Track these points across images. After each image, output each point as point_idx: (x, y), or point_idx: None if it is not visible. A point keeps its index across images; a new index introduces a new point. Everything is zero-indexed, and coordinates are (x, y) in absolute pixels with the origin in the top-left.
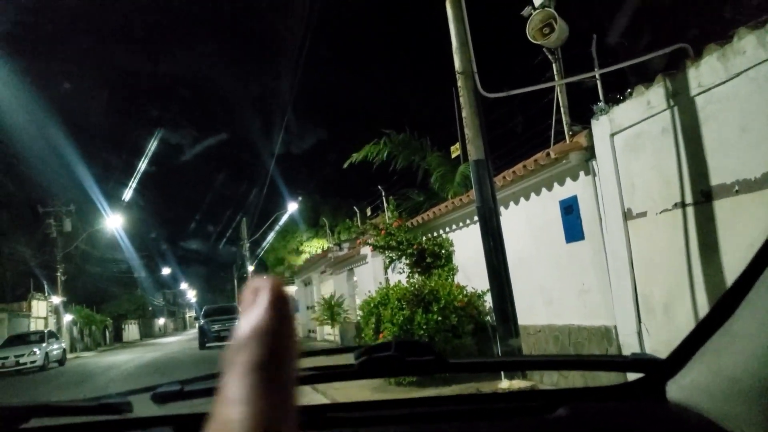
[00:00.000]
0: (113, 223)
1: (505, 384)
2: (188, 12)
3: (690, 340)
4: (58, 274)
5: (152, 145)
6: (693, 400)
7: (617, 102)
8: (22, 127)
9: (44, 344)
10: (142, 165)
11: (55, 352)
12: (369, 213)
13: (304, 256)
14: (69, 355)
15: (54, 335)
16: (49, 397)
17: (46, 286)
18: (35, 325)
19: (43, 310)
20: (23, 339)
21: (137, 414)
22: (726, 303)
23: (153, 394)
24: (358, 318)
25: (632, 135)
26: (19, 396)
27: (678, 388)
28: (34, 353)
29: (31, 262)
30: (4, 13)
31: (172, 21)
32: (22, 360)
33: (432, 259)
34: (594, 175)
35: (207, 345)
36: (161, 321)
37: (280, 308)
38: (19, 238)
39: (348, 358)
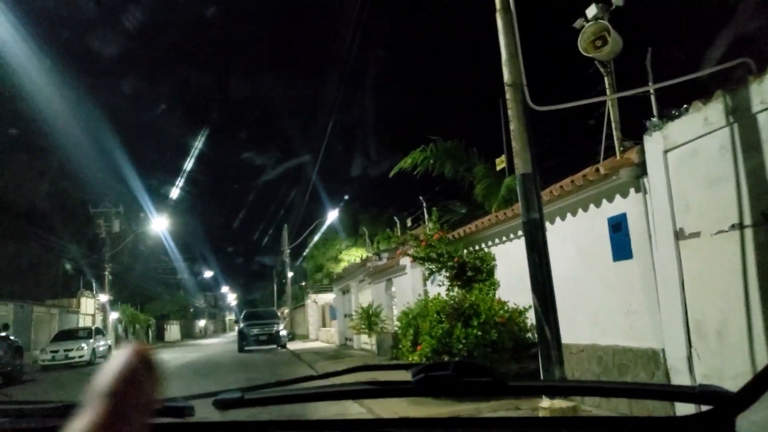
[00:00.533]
0: (159, 225)
1: (546, 403)
2: (236, 20)
3: (764, 374)
4: (106, 273)
5: (198, 150)
6: None
7: (672, 118)
8: (77, 130)
9: (91, 340)
10: (188, 168)
11: (101, 348)
12: (409, 223)
13: (343, 264)
14: (114, 352)
15: (101, 332)
16: None
17: (94, 285)
18: (83, 321)
19: (91, 307)
20: (72, 334)
21: (198, 418)
22: None
23: (215, 400)
24: (396, 329)
25: (687, 152)
26: (68, 388)
27: (748, 424)
28: (82, 348)
29: (81, 261)
30: (61, 22)
31: (219, 29)
32: (71, 354)
33: (473, 273)
34: (645, 192)
35: (246, 348)
36: (202, 323)
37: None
38: (71, 237)
39: (404, 375)
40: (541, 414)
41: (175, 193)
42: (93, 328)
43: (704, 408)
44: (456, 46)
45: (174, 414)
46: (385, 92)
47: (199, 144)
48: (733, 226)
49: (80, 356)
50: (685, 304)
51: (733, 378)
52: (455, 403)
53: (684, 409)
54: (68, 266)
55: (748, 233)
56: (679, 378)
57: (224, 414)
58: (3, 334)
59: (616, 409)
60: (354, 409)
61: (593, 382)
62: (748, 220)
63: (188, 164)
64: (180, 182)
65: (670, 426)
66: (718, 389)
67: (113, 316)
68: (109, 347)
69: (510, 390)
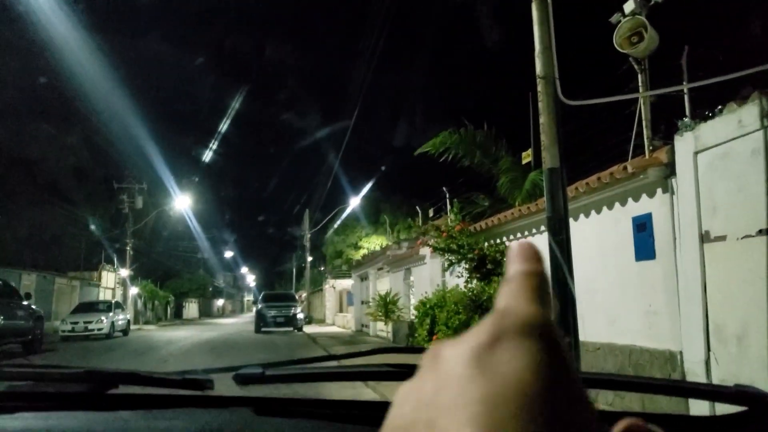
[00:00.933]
0: (182, 203)
1: None
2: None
3: None
4: (128, 248)
5: (223, 128)
6: None
7: (705, 119)
8: (103, 106)
9: (111, 314)
10: (213, 147)
11: (120, 322)
12: (431, 214)
13: (362, 252)
14: (132, 327)
15: (120, 306)
16: (114, 363)
17: (115, 259)
18: (104, 294)
19: (111, 281)
20: (92, 307)
21: (218, 392)
22: None
23: (236, 374)
24: (413, 317)
25: (718, 154)
26: (87, 358)
27: None
28: (102, 321)
29: (103, 235)
30: None
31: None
32: (90, 326)
33: (493, 266)
34: (672, 193)
35: (263, 329)
36: (220, 302)
37: None
38: (94, 211)
39: (417, 358)
40: None
41: (198, 171)
42: (113, 301)
43: (739, 409)
44: (491, 36)
45: (193, 386)
46: (416, 75)
47: (225, 123)
48: (760, 232)
49: (99, 329)
50: (706, 308)
51: (750, 383)
52: None
53: (700, 408)
54: (91, 240)
55: None
56: (696, 381)
57: (244, 389)
58: (26, 302)
59: (629, 407)
60: (367, 395)
61: (625, 376)
62: None
63: (213, 142)
64: (206, 158)
65: (704, 426)
66: (755, 390)
67: (133, 291)
68: (128, 322)
69: None
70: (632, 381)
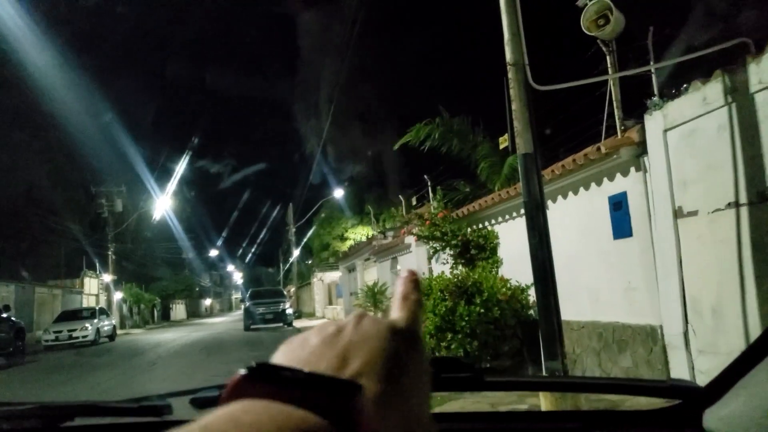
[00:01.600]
0: (163, 204)
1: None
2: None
3: (730, 370)
4: (109, 252)
5: (201, 129)
6: (729, 431)
7: (672, 97)
8: (77, 110)
9: (95, 320)
10: (192, 147)
11: (105, 328)
12: (414, 202)
13: (349, 243)
14: (119, 332)
15: (105, 312)
16: (102, 369)
17: (97, 265)
18: (87, 301)
19: (94, 287)
20: (76, 314)
21: (177, 417)
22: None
23: (192, 398)
24: None
25: (686, 131)
26: (70, 369)
27: (715, 419)
28: (86, 328)
29: (83, 240)
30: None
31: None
32: (74, 334)
33: (476, 251)
34: (645, 171)
35: (252, 327)
36: (208, 301)
37: None
38: (73, 217)
39: None
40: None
41: (178, 172)
42: (97, 308)
43: (674, 402)
44: (466, 22)
45: (151, 413)
46: (392, 65)
47: (202, 122)
48: (729, 205)
49: (84, 336)
50: (683, 281)
51: (727, 353)
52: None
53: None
54: (71, 246)
55: (744, 212)
56: (676, 353)
57: (203, 413)
58: (4, 315)
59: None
60: None
61: (567, 377)
62: (744, 199)
63: (191, 142)
64: (184, 160)
65: (641, 419)
66: (689, 384)
67: (117, 296)
68: (114, 327)
69: (486, 386)
70: (571, 382)
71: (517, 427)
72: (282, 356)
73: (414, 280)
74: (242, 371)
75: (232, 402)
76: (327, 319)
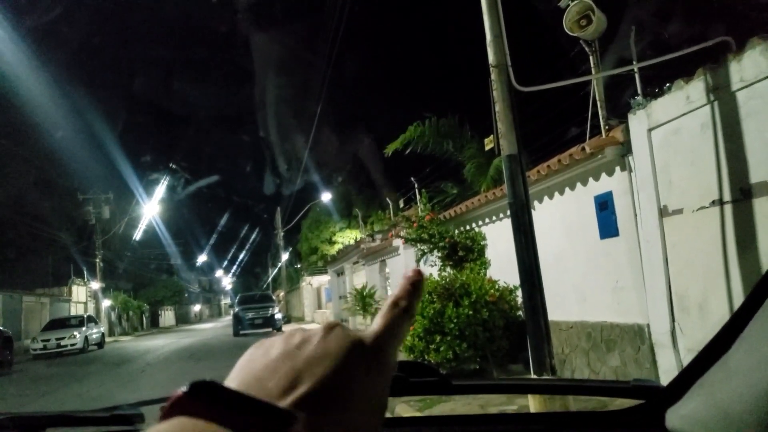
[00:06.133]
0: (151, 210)
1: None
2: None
3: (690, 369)
4: (97, 260)
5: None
6: (690, 430)
7: (656, 96)
8: (64, 117)
9: (84, 328)
10: (180, 152)
11: (94, 336)
12: (402, 204)
13: (337, 246)
14: (108, 339)
15: (93, 320)
16: (91, 377)
17: (85, 272)
18: (75, 309)
19: (82, 295)
20: (64, 323)
21: (149, 424)
22: (725, 335)
23: (163, 407)
24: None
25: (670, 130)
26: (58, 377)
27: (677, 418)
28: (75, 336)
29: (71, 248)
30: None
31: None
32: (63, 343)
33: (464, 253)
34: (630, 170)
35: (241, 332)
36: (197, 307)
37: None
38: (60, 225)
39: None
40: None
41: (166, 178)
42: (85, 316)
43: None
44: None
45: (123, 422)
46: (379, 68)
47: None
48: (713, 203)
49: (72, 344)
50: (669, 280)
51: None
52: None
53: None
54: (59, 254)
55: (728, 209)
56: (664, 352)
57: None
58: None
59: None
60: None
61: (534, 379)
62: (727, 197)
63: (179, 147)
64: (171, 166)
65: (607, 420)
66: (651, 383)
67: (106, 303)
68: (102, 335)
69: (454, 389)
70: (539, 384)
71: (482, 430)
72: (241, 366)
73: (416, 281)
74: (183, 388)
75: (169, 419)
76: (316, 323)
